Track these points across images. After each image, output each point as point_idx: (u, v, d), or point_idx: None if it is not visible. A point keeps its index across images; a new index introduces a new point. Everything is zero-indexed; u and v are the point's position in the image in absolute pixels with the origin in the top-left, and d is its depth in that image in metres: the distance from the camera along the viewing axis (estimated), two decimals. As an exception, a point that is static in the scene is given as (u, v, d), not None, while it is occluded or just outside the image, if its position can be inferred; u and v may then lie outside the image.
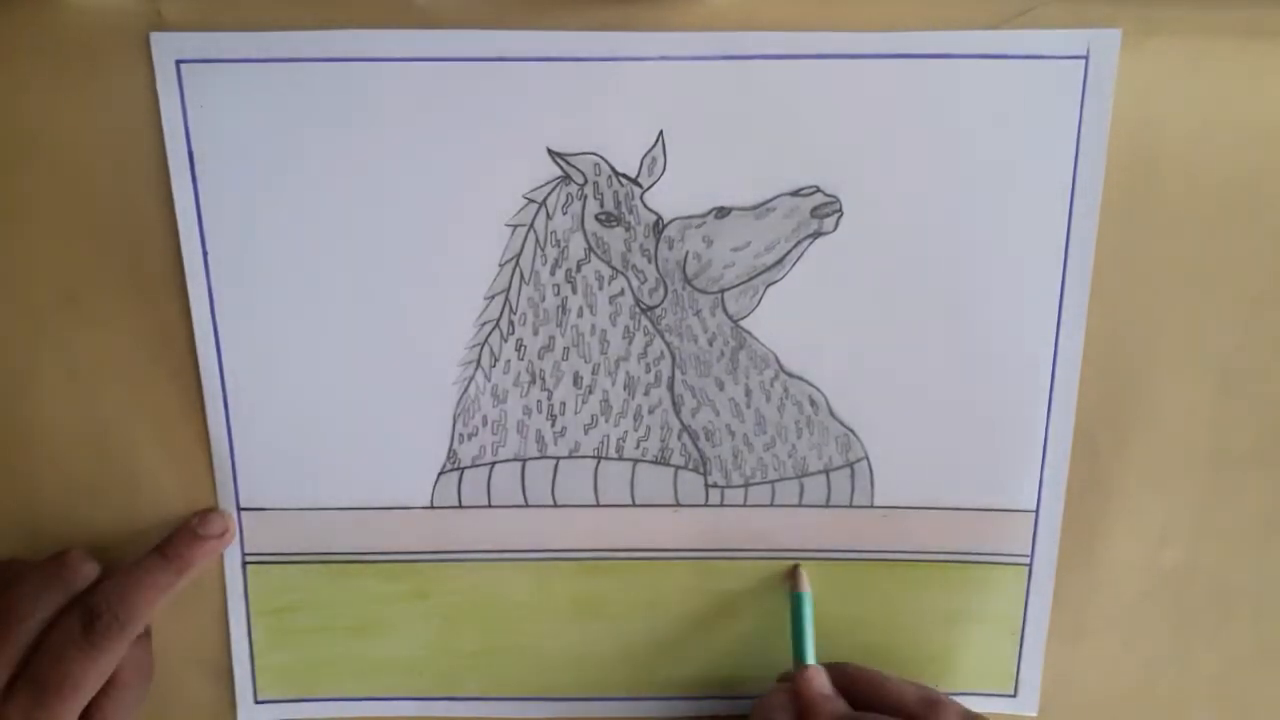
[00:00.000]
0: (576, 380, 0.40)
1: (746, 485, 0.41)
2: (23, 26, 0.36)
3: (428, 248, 0.38)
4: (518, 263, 0.39)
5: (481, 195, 0.38)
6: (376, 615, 0.42)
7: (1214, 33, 0.36)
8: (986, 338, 0.39)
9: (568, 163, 0.37)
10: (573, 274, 0.39)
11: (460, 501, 0.41)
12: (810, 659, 0.40)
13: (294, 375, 0.39)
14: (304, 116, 0.37)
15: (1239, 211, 0.38)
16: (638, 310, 0.39)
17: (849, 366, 0.40)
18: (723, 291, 0.39)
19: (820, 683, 0.39)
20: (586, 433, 0.40)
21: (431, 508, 0.41)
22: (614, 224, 0.39)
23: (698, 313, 0.39)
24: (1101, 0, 0.36)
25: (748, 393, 0.40)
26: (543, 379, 0.40)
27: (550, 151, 0.37)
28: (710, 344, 0.40)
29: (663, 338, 0.40)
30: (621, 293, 0.39)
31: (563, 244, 0.39)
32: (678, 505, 0.41)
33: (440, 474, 0.41)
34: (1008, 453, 0.40)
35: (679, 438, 0.41)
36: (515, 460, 0.41)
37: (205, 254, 0.38)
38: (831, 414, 0.40)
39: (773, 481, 0.41)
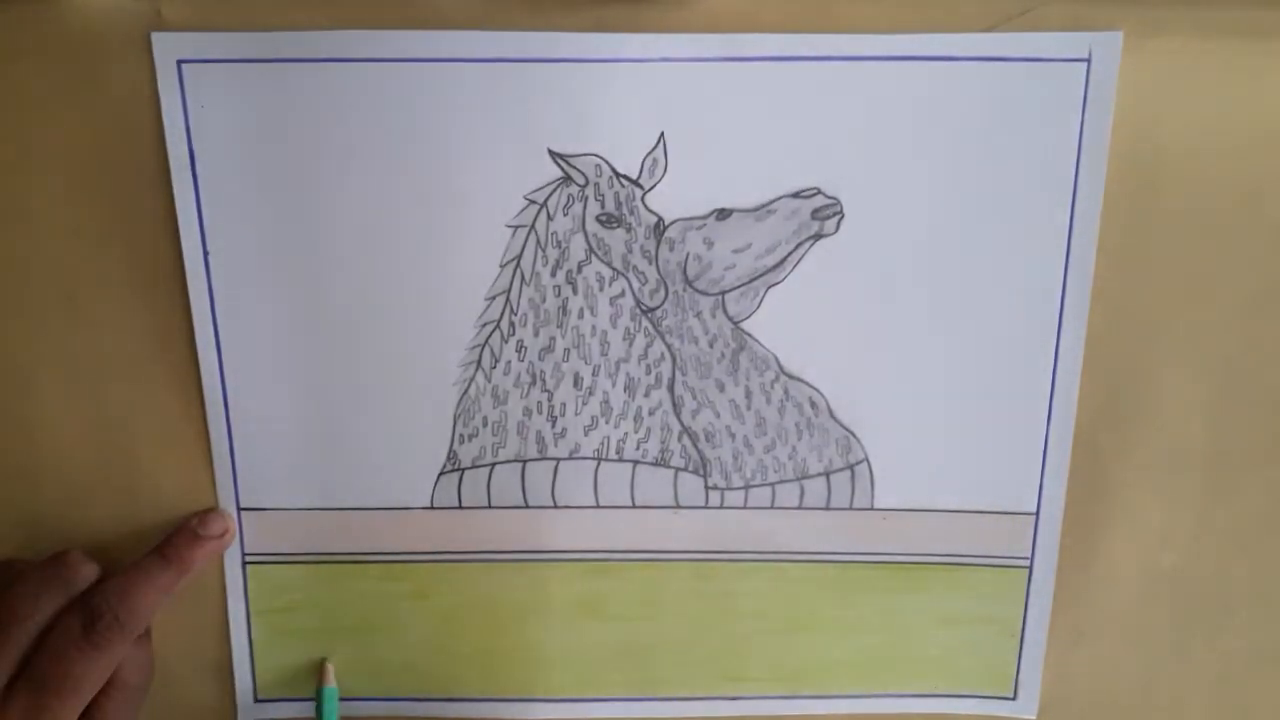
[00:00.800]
0: (577, 381, 0.40)
1: (747, 487, 0.41)
2: (23, 26, 0.35)
3: (428, 248, 0.38)
4: (518, 264, 0.39)
5: (482, 196, 0.38)
6: (376, 615, 0.42)
7: (1215, 34, 0.36)
8: (987, 340, 0.39)
9: (569, 164, 0.37)
10: (573, 275, 0.39)
11: (460, 502, 0.41)
12: None
13: (294, 375, 0.39)
14: (304, 116, 0.37)
15: (1240, 213, 0.38)
16: (638, 312, 0.39)
17: (850, 368, 0.40)
18: (723, 293, 0.39)
19: None
20: (587, 434, 0.40)
21: (431, 508, 0.41)
22: (615, 225, 0.39)
23: (698, 314, 0.39)
24: (1101, 1, 0.36)
25: (748, 394, 0.40)
26: (543, 380, 0.40)
27: (551, 153, 0.37)
28: (711, 346, 0.40)
29: (663, 339, 0.40)
30: (622, 294, 0.39)
31: (563, 245, 0.39)
32: (678, 507, 0.41)
33: (440, 475, 0.41)
34: (1008, 455, 0.40)
35: (679, 439, 0.41)
36: (515, 461, 0.41)
37: (205, 254, 0.38)
38: (832, 416, 0.40)
39: (773, 484, 0.41)
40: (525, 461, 0.41)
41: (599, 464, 0.41)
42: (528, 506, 0.41)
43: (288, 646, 0.42)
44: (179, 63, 0.36)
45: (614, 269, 0.39)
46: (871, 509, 0.41)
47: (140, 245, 0.38)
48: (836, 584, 0.42)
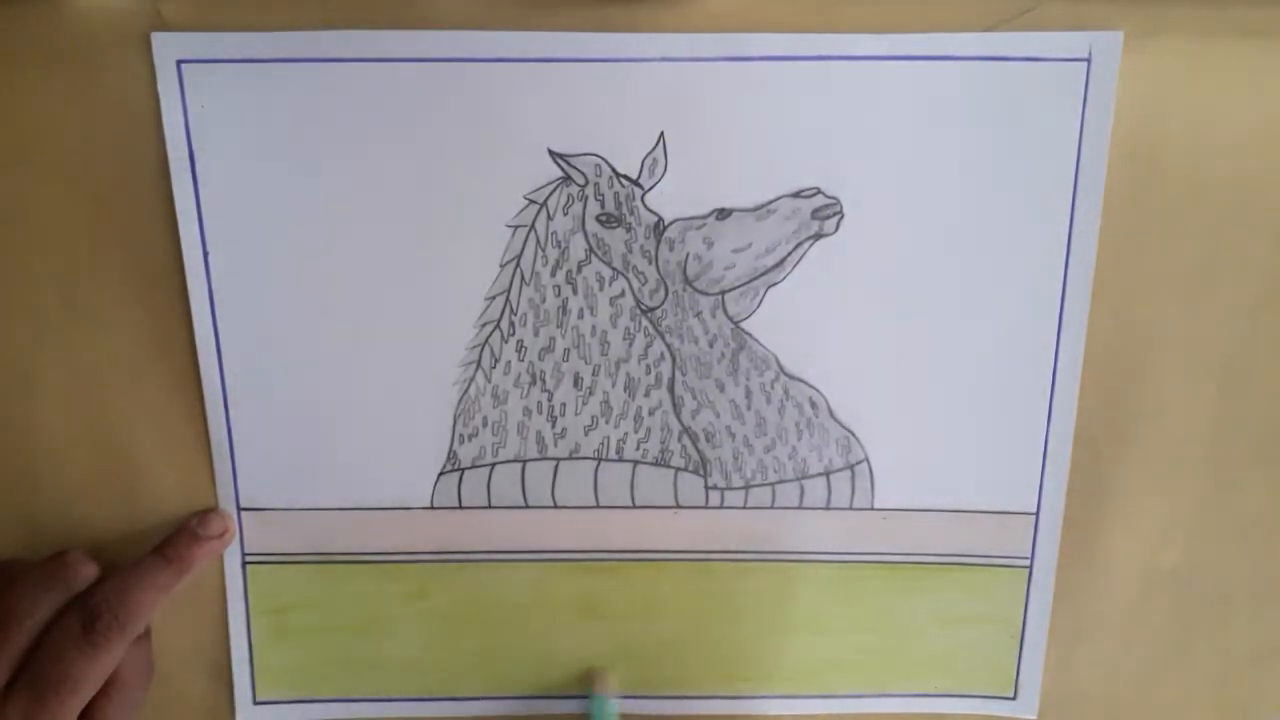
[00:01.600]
0: (577, 381, 0.40)
1: (747, 487, 0.41)
2: (23, 26, 0.35)
3: (428, 248, 0.38)
4: (518, 263, 0.39)
5: (482, 196, 0.38)
6: (376, 615, 0.42)
7: (1216, 33, 0.36)
8: (987, 340, 0.39)
9: (568, 164, 0.37)
10: (573, 275, 0.39)
11: (460, 502, 0.41)
12: None
13: (294, 375, 0.39)
14: (304, 116, 0.37)
15: (1240, 212, 0.38)
16: (638, 311, 0.39)
17: (849, 368, 0.40)
18: (723, 293, 0.39)
19: None
20: (587, 434, 0.40)
21: (431, 508, 0.41)
22: (615, 225, 0.39)
23: (698, 314, 0.39)
24: (1101, 1, 0.36)
25: (748, 394, 0.40)
26: (543, 380, 0.40)
27: (551, 152, 0.37)
28: (711, 345, 0.40)
29: (663, 339, 0.40)
30: (622, 294, 0.39)
31: (563, 245, 0.39)
32: (678, 507, 0.41)
33: (440, 474, 0.41)
34: (1008, 455, 0.40)
35: (679, 439, 0.41)
36: (515, 461, 0.41)
37: (205, 254, 0.38)
38: (832, 416, 0.40)
39: (773, 484, 0.41)
40: (525, 461, 0.41)
41: (599, 464, 0.41)
42: (528, 506, 0.41)
43: (287, 646, 0.42)
44: (179, 63, 0.36)
45: (614, 269, 0.39)
46: (871, 509, 0.41)
47: (140, 245, 0.38)
48: (836, 584, 0.42)
